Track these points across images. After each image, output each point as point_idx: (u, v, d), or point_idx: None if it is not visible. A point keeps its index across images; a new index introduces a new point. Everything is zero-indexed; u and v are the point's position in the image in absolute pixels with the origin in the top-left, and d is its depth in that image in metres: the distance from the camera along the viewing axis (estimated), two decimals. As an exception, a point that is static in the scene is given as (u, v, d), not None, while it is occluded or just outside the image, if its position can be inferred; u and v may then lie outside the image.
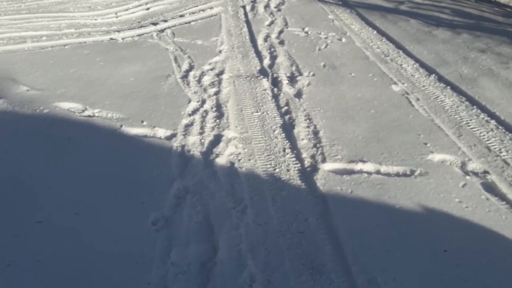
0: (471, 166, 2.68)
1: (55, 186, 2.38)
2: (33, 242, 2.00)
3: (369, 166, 2.68)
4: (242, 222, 2.17)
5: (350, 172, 2.62)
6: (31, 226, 2.09)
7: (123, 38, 4.72)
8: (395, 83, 3.89)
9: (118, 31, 4.90)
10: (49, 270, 1.87)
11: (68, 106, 3.27)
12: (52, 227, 2.10)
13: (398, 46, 4.83)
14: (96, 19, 5.39)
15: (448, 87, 3.75)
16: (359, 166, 2.68)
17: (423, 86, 3.82)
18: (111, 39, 4.68)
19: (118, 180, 2.46)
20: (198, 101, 3.46)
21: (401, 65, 4.32)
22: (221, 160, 2.69)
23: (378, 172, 2.64)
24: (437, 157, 2.80)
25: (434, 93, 3.68)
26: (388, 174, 2.63)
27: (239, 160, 2.72)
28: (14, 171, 2.50)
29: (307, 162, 2.71)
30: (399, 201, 2.38)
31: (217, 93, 3.62)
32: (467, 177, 2.57)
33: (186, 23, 5.37)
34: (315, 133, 3.03)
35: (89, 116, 3.16)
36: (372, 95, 3.63)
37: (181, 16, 5.61)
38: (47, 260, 1.91)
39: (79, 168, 2.55)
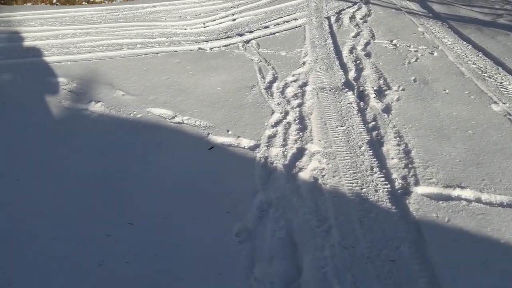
0: None
1: (145, 190, 2.47)
2: (124, 243, 2.08)
3: (468, 193, 2.45)
4: (327, 243, 2.07)
5: (447, 198, 2.41)
6: (122, 227, 2.17)
7: (211, 48, 4.86)
8: (495, 102, 3.56)
9: (206, 41, 5.07)
10: (136, 272, 1.92)
11: (159, 112, 3.41)
12: (142, 229, 2.17)
13: (497, 62, 4.44)
14: (185, 29, 5.64)
15: (561, 109, 3.35)
16: (456, 192, 2.45)
17: (529, 107, 3.45)
18: (200, 48, 4.85)
19: (204, 188, 2.49)
20: (281, 113, 3.43)
21: (501, 82, 3.95)
22: (304, 175, 2.62)
23: (478, 200, 2.39)
24: (549, 188, 2.48)
25: (542, 115, 3.30)
26: (490, 203, 2.37)
27: (323, 176, 2.62)
28: (109, 173, 2.64)
29: (398, 183, 2.54)
30: (504, 235, 2.13)
31: (300, 105, 3.56)
32: None
33: (270, 34, 5.41)
34: (407, 152, 2.84)
35: (179, 123, 3.26)
36: (469, 115, 3.34)
37: (266, 27, 5.66)
38: (135, 262, 1.97)
39: (169, 174, 2.62)
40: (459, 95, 3.69)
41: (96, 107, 3.45)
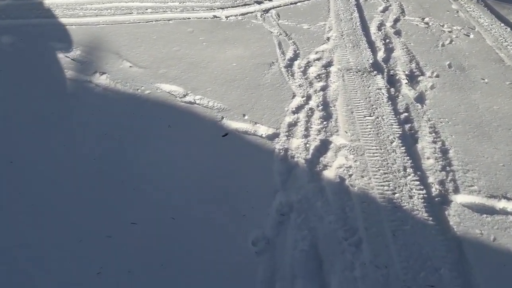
0: None
1: (152, 183, 2.21)
2: (125, 247, 1.84)
3: (515, 206, 2.17)
4: (357, 261, 1.82)
5: (491, 211, 2.13)
6: (125, 227, 1.93)
7: (226, 17, 4.47)
8: (539, 96, 3.21)
9: (222, 8, 4.67)
10: (138, 285, 1.69)
11: (169, 89, 3.11)
12: (146, 231, 1.93)
13: (540, 48, 4.03)
14: (199, -7, 5.21)
15: None
16: (502, 204, 2.17)
17: None
18: (215, 16, 4.46)
19: (217, 183, 2.23)
20: (303, 97, 3.11)
21: (545, 72, 3.57)
22: (329, 173, 2.34)
23: (527, 215, 2.12)
24: None
25: None
26: (540, 220, 2.09)
27: (350, 175, 2.35)
28: (112, 160, 2.37)
29: (435, 189, 2.26)
30: (559, 261, 1.86)
31: (324, 89, 3.23)
32: None
33: (292, 3, 4.98)
34: (444, 151, 2.55)
35: (190, 102, 2.96)
36: (512, 110, 3.01)
37: (287, -5, 5.21)
38: (138, 272, 1.74)
39: (177, 165, 2.35)
40: (499, 85, 3.33)
41: (101, 80, 3.15)
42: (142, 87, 3.09)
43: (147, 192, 2.15)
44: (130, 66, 3.36)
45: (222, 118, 2.79)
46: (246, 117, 2.81)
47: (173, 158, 2.40)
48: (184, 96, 3.04)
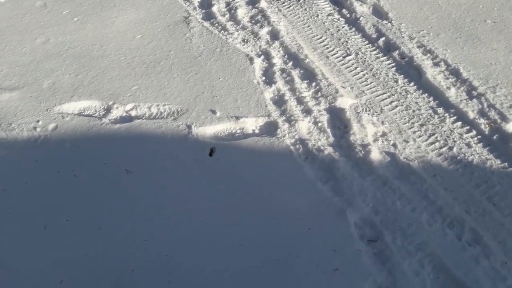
0: None
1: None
2: None
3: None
4: (495, 262, 1.44)
5: (551, 128, 1.91)
6: None
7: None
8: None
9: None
10: None
11: (78, 108, 2.08)
12: None
13: None
14: None
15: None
16: (551, 116, 1.97)
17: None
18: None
19: (263, 246, 1.54)
20: (259, 55, 2.39)
21: None
22: (374, 155, 1.82)
23: None
24: None
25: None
26: None
27: (394, 146, 1.87)
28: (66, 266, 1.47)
29: (484, 125, 1.94)
30: None
31: (275, 36, 2.55)
32: None
33: None
34: (454, 73, 2.21)
35: (125, 120, 2.02)
36: (465, -4, 2.77)
37: None
38: None
39: (186, 234, 1.57)
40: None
41: (-40, 135, 1.94)
42: (39, 122, 2.00)
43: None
44: (-6, 94, 2.14)
45: (189, 127, 1.96)
46: (218, 114, 2.03)
47: (166, 228, 1.59)
48: (109, 112, 2.07)
